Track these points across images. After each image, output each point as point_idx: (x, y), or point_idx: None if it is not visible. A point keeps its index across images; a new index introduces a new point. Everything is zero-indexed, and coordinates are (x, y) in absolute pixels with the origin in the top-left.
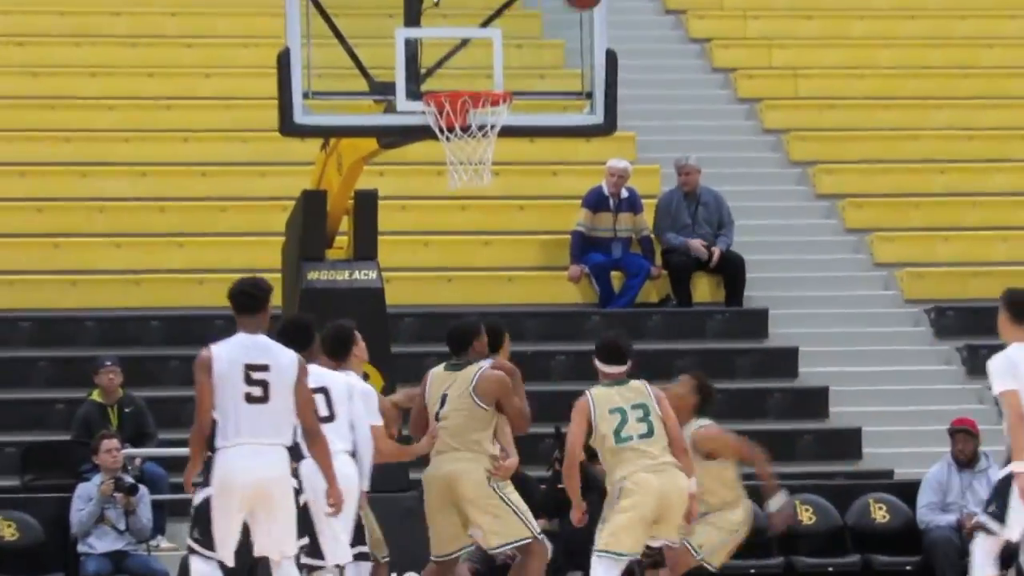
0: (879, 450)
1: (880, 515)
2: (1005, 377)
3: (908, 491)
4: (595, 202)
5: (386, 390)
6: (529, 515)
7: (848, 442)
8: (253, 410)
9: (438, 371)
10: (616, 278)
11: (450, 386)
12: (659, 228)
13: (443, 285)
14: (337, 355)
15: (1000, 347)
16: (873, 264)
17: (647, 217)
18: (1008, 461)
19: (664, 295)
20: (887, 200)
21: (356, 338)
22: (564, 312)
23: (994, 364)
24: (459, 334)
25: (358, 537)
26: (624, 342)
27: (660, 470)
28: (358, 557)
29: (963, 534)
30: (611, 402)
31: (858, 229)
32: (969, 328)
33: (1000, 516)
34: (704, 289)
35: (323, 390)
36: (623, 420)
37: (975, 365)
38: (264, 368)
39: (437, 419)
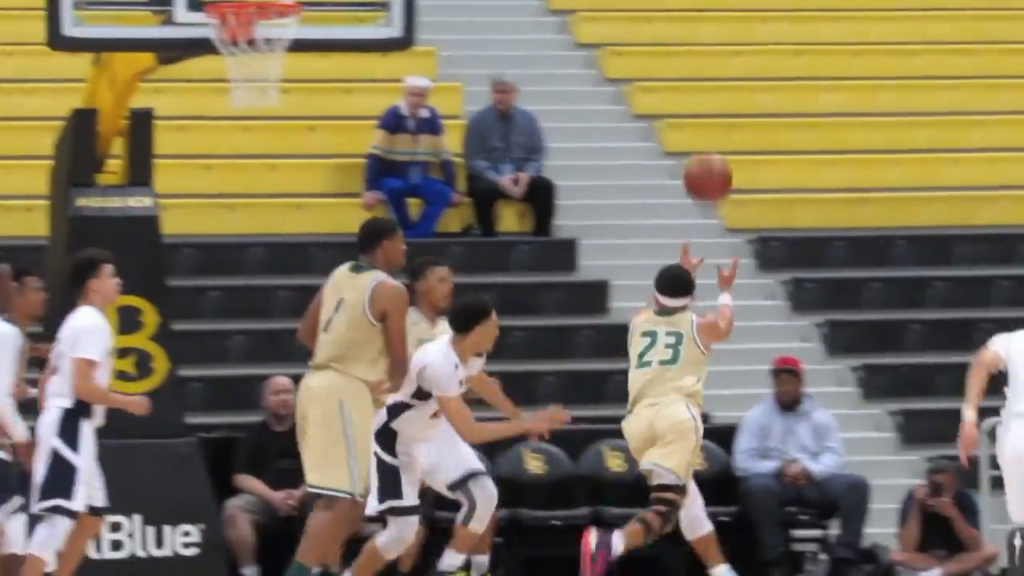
0: None
1: (696, 462)
2: None
3: (725, 435)
4: (392, 123)
5: (161, 327)
6: (366, 473)
7: None
8: None
9: (341, 271)
10: (414, 205)
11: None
12: (468, 151)
13: (225, 213)
14: (72, 287)
15: (828, 280)
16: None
17: (453, 139)
18: None
19: (467, 224)
20: (707, 121)
21: (98, 270)
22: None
23: None
24: (368, 230)
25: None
26: (685, 276)
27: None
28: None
29: (784, 482)
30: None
31: (677, 152)
32: (794, 260)
33: None
34: (510, 218)
35: None
36: (652, 344)
37: (801, 300)
38: None
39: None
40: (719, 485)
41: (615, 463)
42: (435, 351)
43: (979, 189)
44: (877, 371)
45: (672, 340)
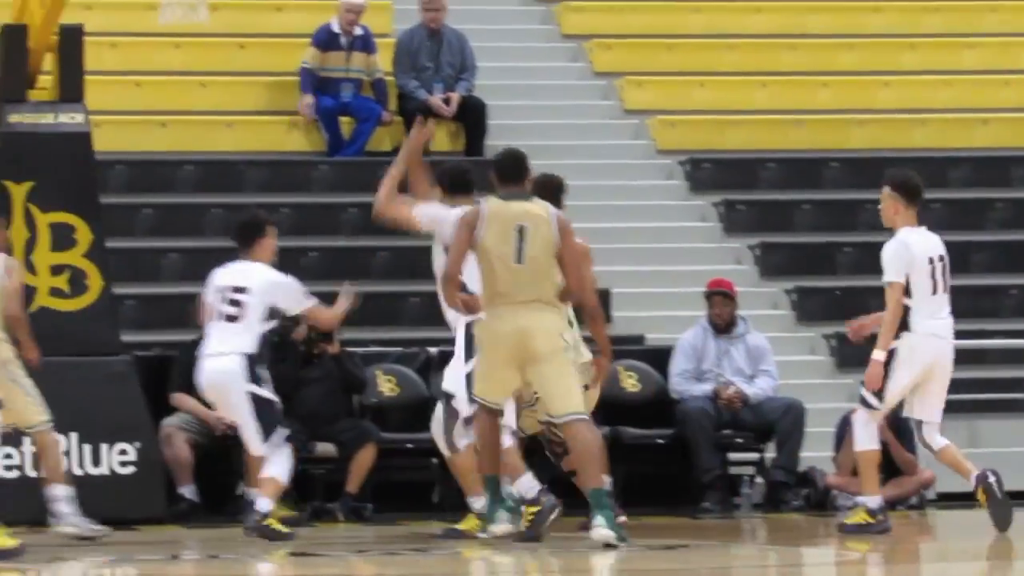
0: (629, 313)
1: (630, 384)
2: (899, 266)
3: (660, 358)
4: (325, 41)
5: (95, 244)
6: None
7: None
8: None
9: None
10: (346, 124)
11: None
12: (398, 69)
13: (156, 130)
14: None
15: (760, 203)
16: (623, 111)
17: (383, 58)
18: None
19: (397, 143)
20: (638, 41)
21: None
22: (289, 160)
23: (889, 251)
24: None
25: None
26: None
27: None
28: None
29: (719, 404)
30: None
31: (606, 72)
32: (726, 182)
33: (879, 394)
34: (442, 137)
35: None
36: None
37: (733, 222)
38: None
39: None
40: (655, 407)
41: (630, 383)
42: None
43: (910, 112)
44: (811, 294)
45: None
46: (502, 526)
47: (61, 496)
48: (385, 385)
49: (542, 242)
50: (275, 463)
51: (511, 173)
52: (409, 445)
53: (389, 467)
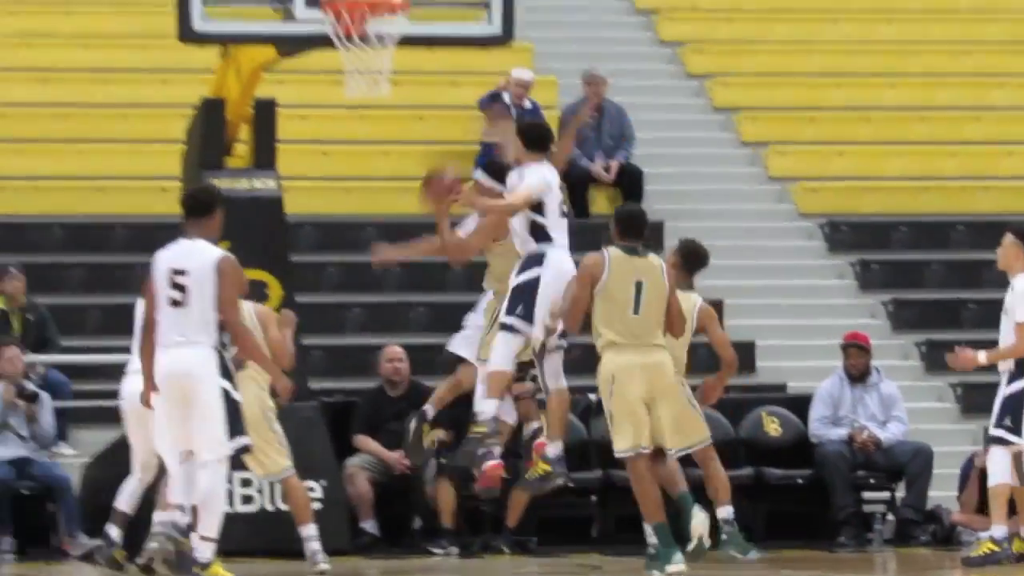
0: (772, 364)
1: (773, 428)
2: None
3: (800, 405)
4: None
5: (285, 300)
6: None
7: (741, 355)
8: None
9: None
10: None
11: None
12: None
13: (341, 194)
14: None
15: (893, 262)
16: (768, 177)
17: None
18: (1013, 378)
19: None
20: (782, 113)
21: None
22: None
23: (1020, 290)
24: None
25: None
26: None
27: None
28: None
29: (853, 447)
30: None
31: (753, 142)
32: (862, 243)
33: (1017, 429)
34: (602, 201)
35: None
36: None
37: (868, 280)
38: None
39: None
40: (796, 450)
41: (773, 428)
42: None
43: None
44: (938, 346)
45: None
46: (677, 566)
47: (311, 535)
48: None
49: (656, 294)
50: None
51: (633, 229)
52: (571, 484)
53: (551, 504)
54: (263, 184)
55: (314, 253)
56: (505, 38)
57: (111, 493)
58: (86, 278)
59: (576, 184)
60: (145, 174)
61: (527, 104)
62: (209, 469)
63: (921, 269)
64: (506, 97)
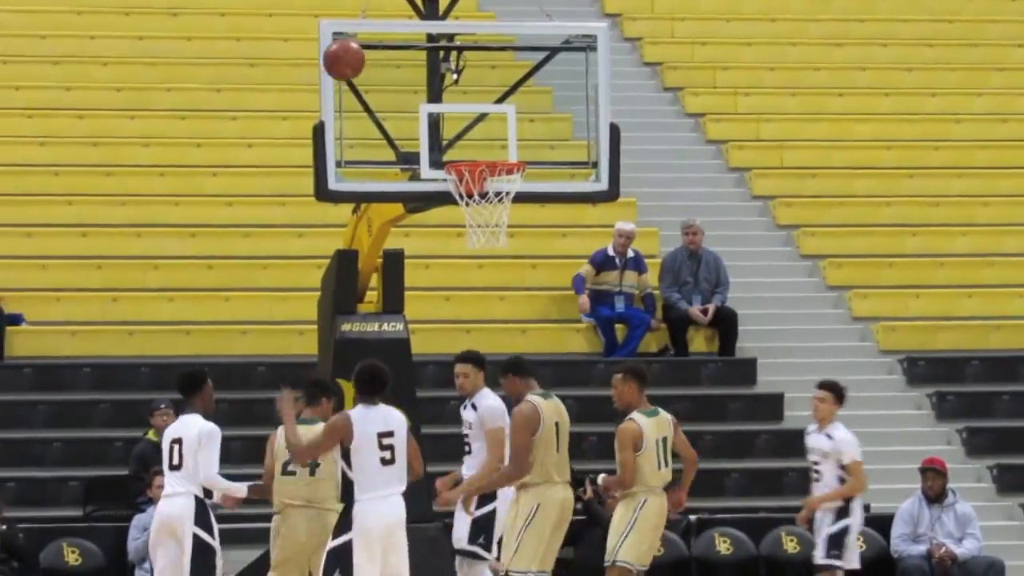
0: None
1: (858, 546)
2: None
3: (883, 523)
4: (602, 261)
5: (414, 431)
6: None
7: None
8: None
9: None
10: (619, 330)
11: None
12: (663, 284)
13: (463, 336)
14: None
15: (967, 394)
16: (851, 318)
17: (650, 275)
18: None
19: (663, 345)
20: (864, 260)
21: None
22: (573, 360)
23: None
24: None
25: None
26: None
27: None
28: None
29: (932, 562)
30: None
31: (838, 286)
32: (938, 376)
33: None
34: (700, 341)
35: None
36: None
37: (943, 410)
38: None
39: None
40: (878, 566)
41: (791, 545)
42: None
43: None
44: (1009, 470)
45: None
46: None
47: None
48: (722, 545)
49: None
50: None
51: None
52: None
53: None
54: (392, 327)
55: (437, 389)
56: (612, 194)
57: None
58: (229, 413)
59: (675, 325)
60: (284, 319)
61: (630, 253)
62: None
63: (992, 400)
64: (610, 249)
